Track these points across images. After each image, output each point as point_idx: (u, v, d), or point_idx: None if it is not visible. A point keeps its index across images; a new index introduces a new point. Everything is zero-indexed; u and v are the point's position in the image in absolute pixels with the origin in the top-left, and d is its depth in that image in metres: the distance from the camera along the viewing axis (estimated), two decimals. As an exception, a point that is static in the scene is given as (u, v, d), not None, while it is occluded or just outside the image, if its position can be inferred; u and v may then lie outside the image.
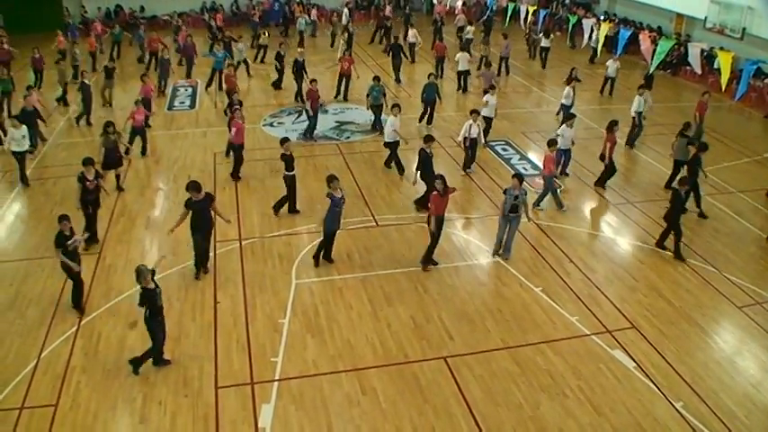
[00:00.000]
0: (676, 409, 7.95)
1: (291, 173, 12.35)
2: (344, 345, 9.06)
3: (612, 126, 13.46)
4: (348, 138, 16.83)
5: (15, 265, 11.01)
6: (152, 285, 8.18)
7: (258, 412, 7.85)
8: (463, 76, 20.83)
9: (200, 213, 10.18)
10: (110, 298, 10.07)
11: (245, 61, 22.42)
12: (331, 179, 10.48)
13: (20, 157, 13.65)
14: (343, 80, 19.80)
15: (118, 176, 13.61)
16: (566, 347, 9.04)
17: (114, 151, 13.39)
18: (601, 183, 13.99)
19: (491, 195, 13.44)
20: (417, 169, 12.40)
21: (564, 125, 14.07)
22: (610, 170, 13.79)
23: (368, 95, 16.75)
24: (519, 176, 10.88)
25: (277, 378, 8.41)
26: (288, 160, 12.25)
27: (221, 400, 8.05)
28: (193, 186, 10.08)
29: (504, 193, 10.86)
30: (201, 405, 7.97)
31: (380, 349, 8.97)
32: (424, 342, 9.12)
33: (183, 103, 19.61)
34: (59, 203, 13.09)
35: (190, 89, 20.86)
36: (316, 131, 16.98)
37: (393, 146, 14.38)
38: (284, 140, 12.41)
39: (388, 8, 30.20)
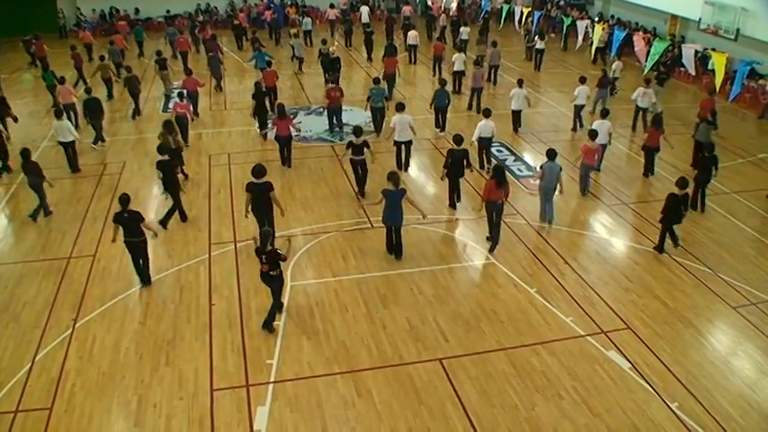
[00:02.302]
0: (671, 410, 7.97)
1: (358, 157, 13.05)
2: (340, 346, 9.06)
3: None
4: (342, 139, 16.80)
5: (9, 268, 10.99)
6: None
7: (253, 414, 7.84)
8: (458, 77, 20.73)
9: (257, 197, 10.88)
10: (104, 300, 10.05)
11: (299, 58, 23.31)
12: (389, 176, 10.75)
13: (64, 147, 14.62)
14: (388, 82, 19.55)
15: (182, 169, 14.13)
16: (561, 348, 9.06)
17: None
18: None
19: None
20: (445, 167, 12.70)
21: (599, 119, 14.40)
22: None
23: (368, 98, 16.60)
24: (549, 151, 12.07)
25: (272, 380, 8.40)
26: (354, 148, 12.88)
27: (216, 402, 8.04)
28: (255, 170, 10.80)
29: (541, 168, 12.10)
30: (197, 407, 7.96)
31: (376, 351, 8.98)
32: (420, 344, 9.12)
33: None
34: (54, 205, 13.05)
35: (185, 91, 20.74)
36: (311, 134, 17.10)
37: (408, 144, 14.48)
38: (357, 129, 13.27)
39: (407, 8, 29.78)
